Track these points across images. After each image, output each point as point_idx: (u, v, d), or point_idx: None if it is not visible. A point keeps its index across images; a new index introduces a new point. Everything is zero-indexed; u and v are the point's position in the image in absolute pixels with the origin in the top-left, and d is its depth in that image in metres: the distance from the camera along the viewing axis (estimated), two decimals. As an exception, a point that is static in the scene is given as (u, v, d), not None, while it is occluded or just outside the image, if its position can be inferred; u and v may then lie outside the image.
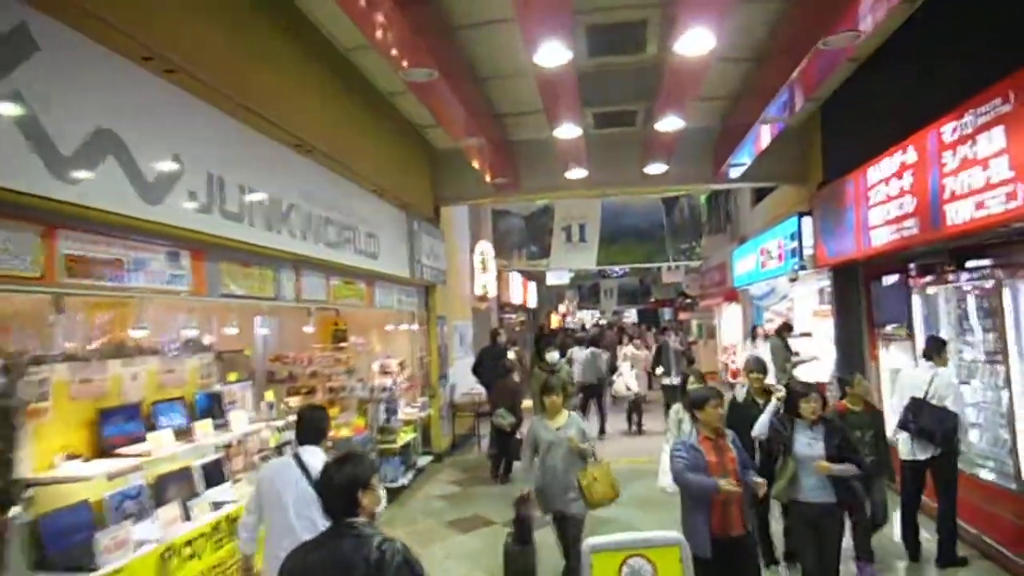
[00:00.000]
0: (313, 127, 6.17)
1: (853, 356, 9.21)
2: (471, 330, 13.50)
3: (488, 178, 9.29)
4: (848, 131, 8.71)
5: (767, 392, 5.52)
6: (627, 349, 12.52)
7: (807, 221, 9.79)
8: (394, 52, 5.37)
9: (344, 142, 7.01)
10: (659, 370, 11.56)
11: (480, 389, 12.50)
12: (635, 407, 12.00)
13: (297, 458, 3.70)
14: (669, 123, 7.09)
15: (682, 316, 26.31)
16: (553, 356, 8.69)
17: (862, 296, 8.98)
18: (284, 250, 5.71)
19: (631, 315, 40.02)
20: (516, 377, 10.13)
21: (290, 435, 6.31)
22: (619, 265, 12.71)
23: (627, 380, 11.93)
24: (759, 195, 14.11)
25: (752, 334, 13.87)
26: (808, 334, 14.34)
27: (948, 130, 5.69)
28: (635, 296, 28.88)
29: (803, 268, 9.62)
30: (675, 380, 10.81)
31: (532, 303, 21.31)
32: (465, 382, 12.57)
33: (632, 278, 28.51)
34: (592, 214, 11.33)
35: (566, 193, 10.39)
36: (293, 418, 7.00)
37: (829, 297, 14.59)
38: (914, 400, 5.85)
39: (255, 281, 5.49)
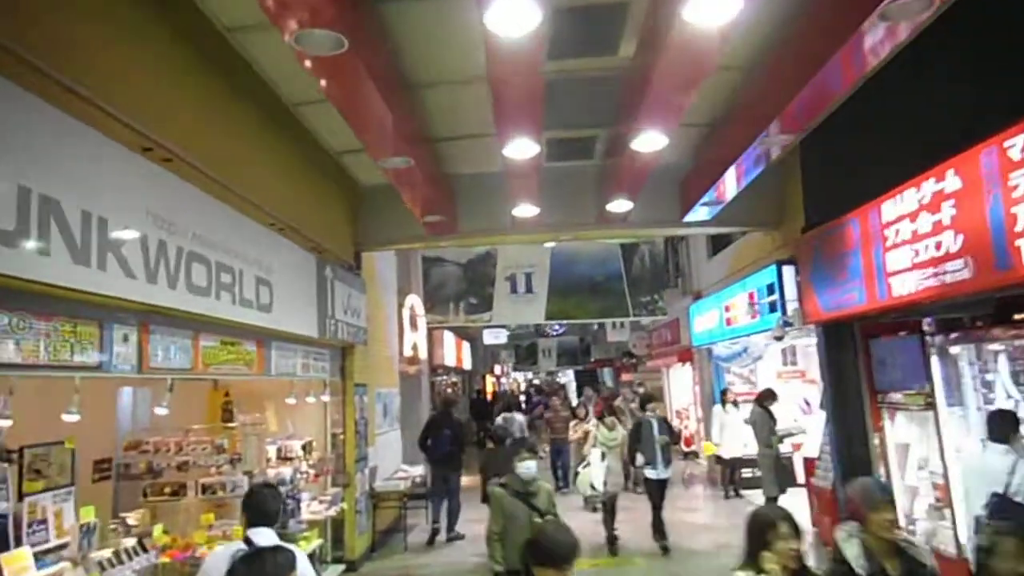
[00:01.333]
0: (174, 125, 4.40)
1: (850, 427, 7.83)
2: (398, 399, 11.56)
3: (419, 216, 7.62)
4: (837, 165, 7.54)
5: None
6: (588, 426, 10.09)
7: (788, 271, 8.52)
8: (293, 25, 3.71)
9: (227, 155, 5.24)
10: (639, 459, 8.39)
11: (413, 471, 10.57)
12: (609, 512, 8.66)
13: (248, 543, 3.29)
14: (648, 141, 5.62)
15: (625, 377, 24.98)
16: (528, 467, 5.23)
17: (859, 357, 7.66)
18: (113, 296, 3.82)
19: (568, 376, 38.55)
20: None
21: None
22: (572, 320, 11.17)
23: (594, 475, 8.49)
24: (716, 246, 12.96)
25: (722, 399, 12.46)
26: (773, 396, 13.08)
27: (1018, 145, 4.42)
28: (575, 356, 27.45)
29: (788, 324, 8.28)
30: (663, 472, 8.44)
31: (467, 364, 19.49)
32: (389, 463, 10.55)
33: (571, 337, 27.12)
34: (540, 262, 9.85)
35: (512, 238, 8.82)
36: (131, 542, 5.03)
37: (794, 357, 13.49)
38: (997, 498, 4.38)
39: (57, 341, 3.57)
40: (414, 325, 12.85)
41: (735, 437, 12.36)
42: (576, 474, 9.03)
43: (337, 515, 8.09)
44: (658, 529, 8.56)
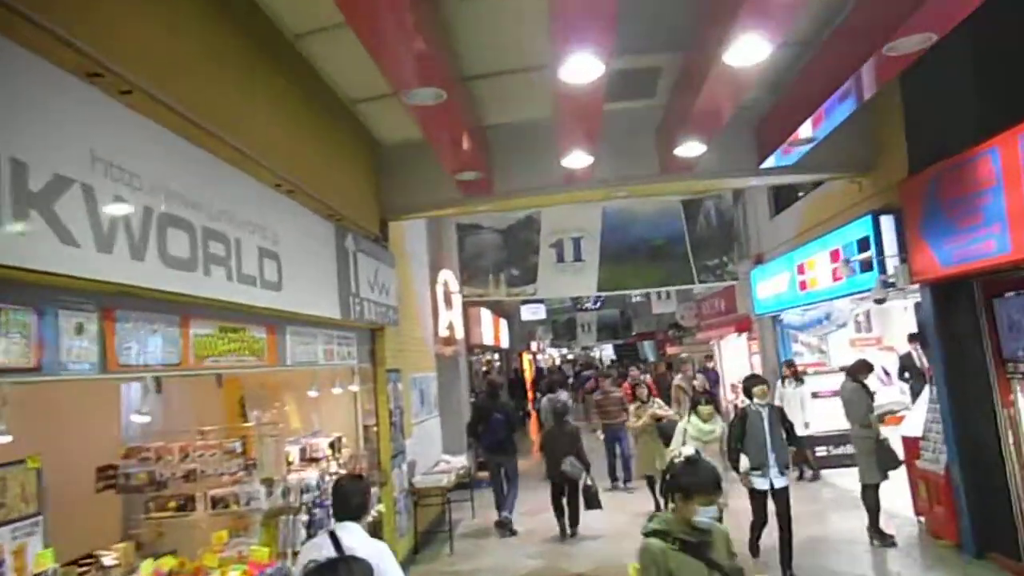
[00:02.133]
0: (133, 46, 3.32)
1: (970, 402, 6.59)
2: (435, 383, 10.56)
3: (452, 172, 6.50)
4: (951, 97, 6.22)
5: None
6: (657, 410, 8.70)
7: (887, 222, 7.22)
8: None
9: (213, 96, 4.16)
10: (743, 462, 6.61)
11: (456, 462, 9.62)
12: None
13: (333, 536, 3.26)
14: (744, 52, 4.34)
15: (670, 350, 23.73)
16: (708, 513, 3.09)
17: (982, 320, 6.38)
18: (41, 270, 2.78)
19: (606, 351, 37.38)
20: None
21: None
22: (628, 291, 9.91)
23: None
24: (779, 203, 11.60)
25: (783, 372, 11.22)
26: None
27: None
28: (615, 330, 26.26)
29: (889, 285, 7.00)
30: (778, 480, 6.54)
31: (504, 343, 18.47)
32: (428, 454, 9.57)
33: (611, 310, 25.90)
34: (590, 225, 8.65)
35: (559, 197, 7.65)
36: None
37: (868, 323, 12.14)
38: None
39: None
40: (448, 303, 11.79)
41: (808, 414, 11.17)
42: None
43: (374, 518, 7.12)
44: (784, 561, 6.53)
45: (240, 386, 6.51)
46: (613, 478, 10.99)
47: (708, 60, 4.88)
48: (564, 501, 8.59)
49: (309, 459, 6.43)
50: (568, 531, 8.57)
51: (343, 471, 6.92)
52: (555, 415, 9.20)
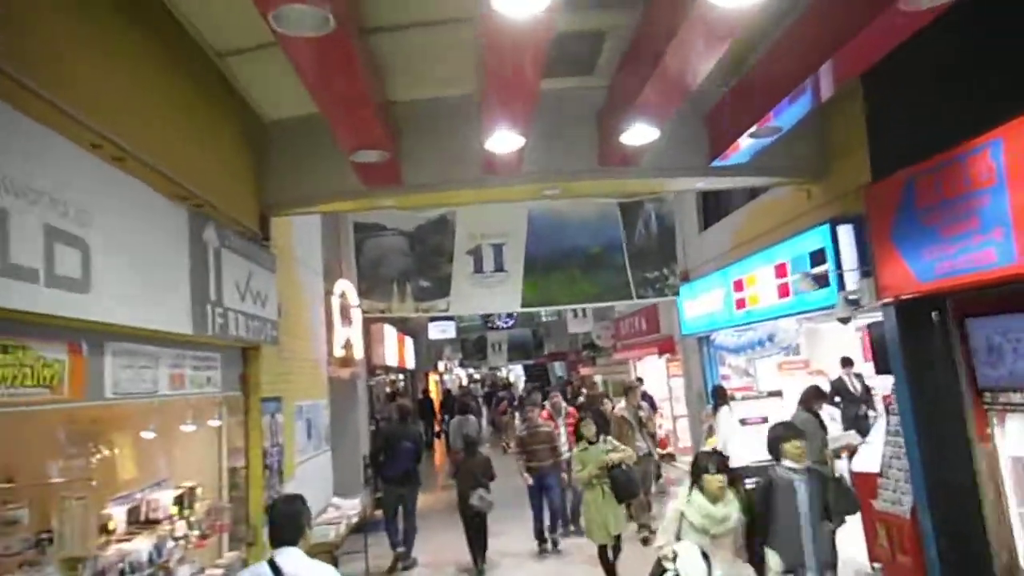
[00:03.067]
0: None
1: (941, 438, 5.82)
2: (327, 412, 9.02)
3: (349, 149, 5.16)
4: (924, 94, 5.50)
5: None
6: (625, 452, 6.84)
7: (845, 232, 6.45)
8: None
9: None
10: (773, 561, 4.52)
11: (348, 507, 8.16)
12: None
13: (272, 565, 3.00)
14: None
15: (584, 371, 22.92)
16: None
17: (955, 344, 5.64)
18: None
19: (516, 371, 36.32)
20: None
21: None
22: (561, 305, 8.64)
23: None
24: (708, 217, 10.89)
25: (716, 397, 10.39)
26: (777, 393, 11.18)
27: None
28: (527, 350, 25.25)
29: (852, 303, 6.19)
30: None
31: (410, 363, 16.99)
32: (315, 500, 8.01)
33: (523, 329, 24.88)
34: (514, 229, 7.33)
35: (479, 193, 6.46)
36: None
37: (796, 347, 11.56)
38: None
39: None
40: (347, 318, 10.29)
41: (741, 441, 10.38)
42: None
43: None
44: None
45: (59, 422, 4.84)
46: (541, 539, 8.73)
47: (658, 32, 3.84)
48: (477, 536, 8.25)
49: (144, 522, 4.83)
50: (479, 565, 8.18)
51: (196, 533, 5.37)
52: (465, 444, 8.70)
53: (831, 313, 6.56)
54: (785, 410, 11.00)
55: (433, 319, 17.93)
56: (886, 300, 5.93)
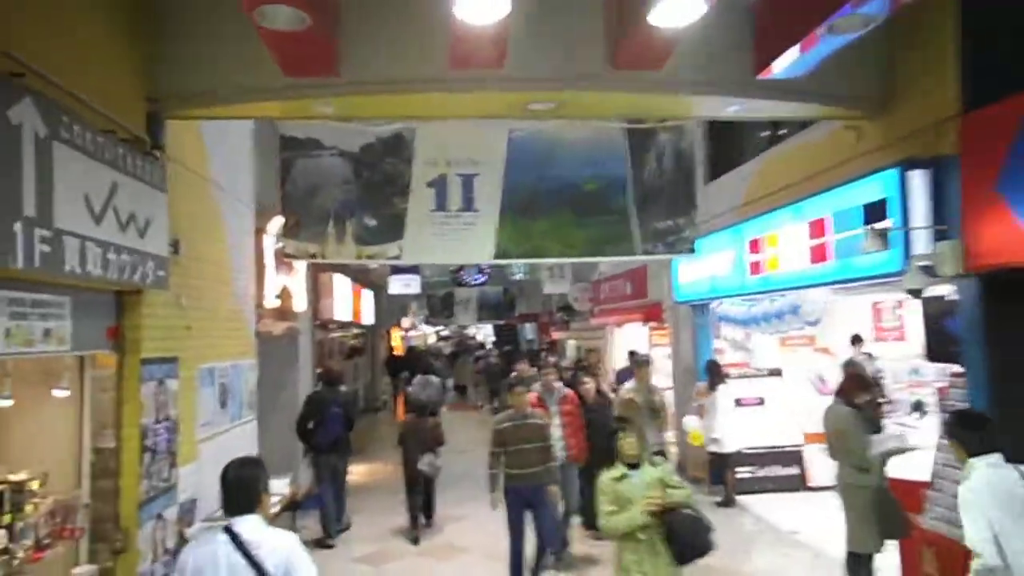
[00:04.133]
0: None
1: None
2: (254, 374, 7.43)
3: (249, 10, 3.49)
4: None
5: None
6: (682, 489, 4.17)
7: (919, 179, 4.98)
8: None
9: None
10: None
11: (277, 486, 6.61)
12: None
13: (229, 533, 2.79)
14: None
15: (556, 335, 21.56)
16: None
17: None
18: None
19: (485, 331, 34.91)
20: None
21: None
22: (541, 259, 6.81)
23: None
24: (716, 168, 9.39)
25: (710, 373, 9.05)
26: (778, 372, 9.89)
27: None
28: (498, 310, 23.76)
29: (928, 271, 4.75)
30: None
31: (368, 318, 15.40)
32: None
33: (495, 287, 23.35)
34: (489, 154, 5.24)
35: (445, 102, 4.84)
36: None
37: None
38: None
39: None
40: (285, 263, 8.64)
41: (734, 426, 9.11)
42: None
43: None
44: None
45: None
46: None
47: None
48: (420, 501, 8.13)
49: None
50: (423, 522, 8.18)
51: (25, 544, 3.82)
52: (415, 407, 8.57)
53: (894, 283, 5.13)
54: (785, 391, 9.84)
55: (395, 271, 16.26)
56: (984, 267, 4.49)
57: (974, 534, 3.27)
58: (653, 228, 5.78)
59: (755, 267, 7.41)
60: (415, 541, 7.88)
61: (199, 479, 5.76)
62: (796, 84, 5.00)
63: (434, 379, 13.49)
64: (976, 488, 3.35)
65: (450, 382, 15.60)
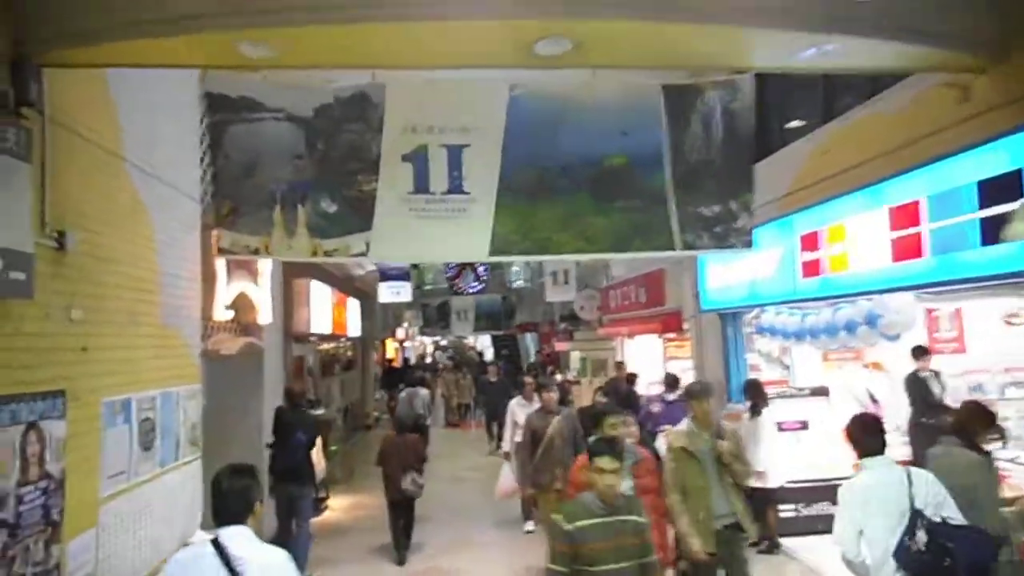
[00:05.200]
0: None
1: None
2: (195, 404, 6.04)
3: None
4: None
5: None
6: None
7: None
8: None
9: None
10: None
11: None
12: None
13: (216, 546, 2.66)
14: None
15: (559, 346, 20.13)
16: None
17: None
18: None
19: (481, 342, 33.50)
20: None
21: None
22: (559, 254, 5.41)
23: None
24: (759, 147, 8.00)
25: (751, 394, 7.64)
26: (823, 391, 8.51)
27: None
28: (496, 319, 22.36)
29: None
30: None
31: (354, 329, 14.00)
32: (159, 543, 5.09)
33: (493, 295, 21.97)
34: (483, 119, 3.89)
35: (421, 49, 3.51)
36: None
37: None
38: None
39: None
40: (243, 266, 7.29)
41: (776, 456, 7.70)
42: None
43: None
44: None
45: None
46: None
47: None
48: (401, 523, 7.75)
49: None
50: (402, 552, 7.63)
51: None
52: (398, 424, 8.42)
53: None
54: (832, 412, 8.48)
55: (385, 277, 14.86)
56: None
57: (838, 529, 3.53)
58: (697, 215, 4.41)
59: (810, 267, 6.05)
60: (401, 562, 7.53)
61: (108, 550, 4.38)
62: (898, 19, 3.67)
63: (422, 392, 13.28)
64: (854, 487, 3.56)
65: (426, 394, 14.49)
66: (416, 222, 4.38)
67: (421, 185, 4.37)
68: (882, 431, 3.73)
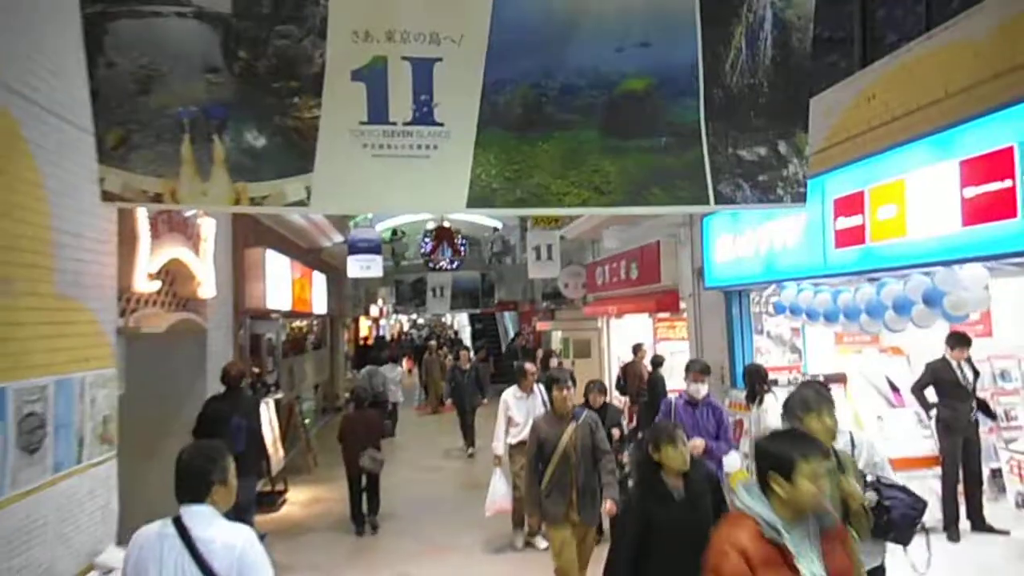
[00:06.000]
0: None
1: None
2: (109, 391, 4.96)
3: None
4: None
5: None
6: None
7: None
8: None
9: None
10: None
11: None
12: None
13: (178, 526, 2.57)
14: None
15: (540, 326, 19.18)
16: None
17: None
18: None
19: (462, 320, 32.49)
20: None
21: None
22: (557, 208, 4.44)
23: None
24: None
25: (754, 380, 6.73)
26: (841, 379, 7.64)
27: None
28: (475, 297, 21.26)
29: None
30: None
31: (320, 306, 12.88)
32: (61, 554, 4.03)
33: (471, 272, 20.88)
34: (461, 26, 3.01)
35: None
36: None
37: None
38: None
39: None
40: (177, 227, 6.18)
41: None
42: None
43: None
44: None
45: None
46: None
47: None
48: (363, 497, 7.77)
49: None
50: (369, 524, 7.71)
51: None
52: (355, 399, 8.45)
53: None
54: (850, 403, 7.63)
55: (354, 250, 13.70)
56: None
57: None
58: (737, 159, 3.41)
59: (847, 236, 5.11)
60: (360, 534, 7.59)
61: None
62: None
63: (381, 370, 13.03)
64: None
65: (395, 373, 13.58)
66: (371, 162, 3.33)
67: (378, 113, 3.32)
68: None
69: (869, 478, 3.39)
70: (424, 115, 3.34)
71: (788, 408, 3.19)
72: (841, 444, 3.35)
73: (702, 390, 5.89)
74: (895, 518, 3.30)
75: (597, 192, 3.35)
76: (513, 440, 6.84)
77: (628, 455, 6.10)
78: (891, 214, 4.60)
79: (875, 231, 4.79)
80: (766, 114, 3.37)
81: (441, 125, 3.34)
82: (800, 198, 3.48)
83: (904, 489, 3.47)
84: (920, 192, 4.36)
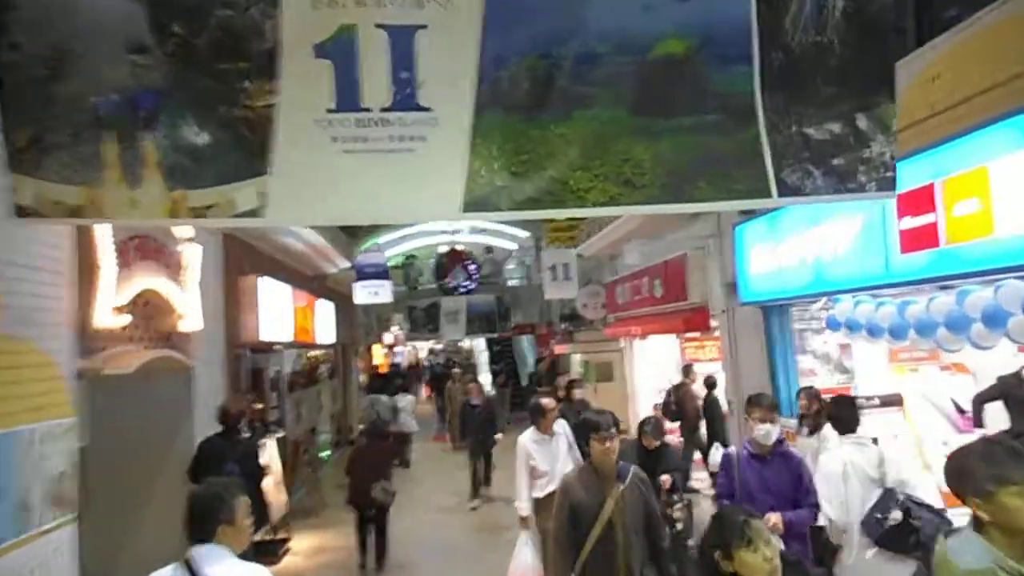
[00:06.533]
0: None
1: None
2: (64, 444, 4.30)
3: None
4: None
5: None
6: None
7: None
8: None
9: None
10: None
11: None
12: None
13: (188, 567, 2.47)
14: None
15: (558, 349, 18.41)
16: None
17: None
18: None
19: (479, 345, 31.72)
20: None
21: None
22: (577, 208, 3.72)
23: None
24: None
25: (814, 414, 5.97)
26: (897, 401, 6.84)
27: None
28: (491, 321, 20.53)
29: None
30: None
31: (326, 336, 12.24)
32: None
33: (486, 295, 20.18)
34: None
35: None
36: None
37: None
38: None
39: None
40: (158, 257, 5.58)
41: (838, 487, 5.99)
42: None
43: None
44: None
45: None
46: None
47: None
48: (371, 533, 7.55)
49: None
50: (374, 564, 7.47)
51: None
52: (367, 431, 8.43)
53: None
54: (909, 428, 6.82)
55: (361, 275, 13.06)
56: None
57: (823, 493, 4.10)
58: (804, 139, 2.71)
59: (916, 238, 4.36)
60: (362, 567, 7.54)
61: None
62: None
63: (384, 399, 12.79)
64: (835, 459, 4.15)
65: (406, 401, 13.05)
66: (342, 160, 2.68)
67: (348, 97, 2.66)
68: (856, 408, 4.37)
69: (900, 497, 3.52)
70: (406, 98, 2.68)
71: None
72: (868, 459, 3.54)
73: (773, 433, 4.34)
74: (924, 538, 3.37)
75: (628, 186, 2.64)
76: (541, 493, 5.65)
77: (680, 508, 5.17)
78: (972, 209, 3.86)
79: (952, 230, 4.05)
80: (839, 81, 2.66)
81: (428, 110, 2.67)
82: (888, 184, 2.77)
83: (933, 509, 3.58)
84: (1008, 182, 3.63)
